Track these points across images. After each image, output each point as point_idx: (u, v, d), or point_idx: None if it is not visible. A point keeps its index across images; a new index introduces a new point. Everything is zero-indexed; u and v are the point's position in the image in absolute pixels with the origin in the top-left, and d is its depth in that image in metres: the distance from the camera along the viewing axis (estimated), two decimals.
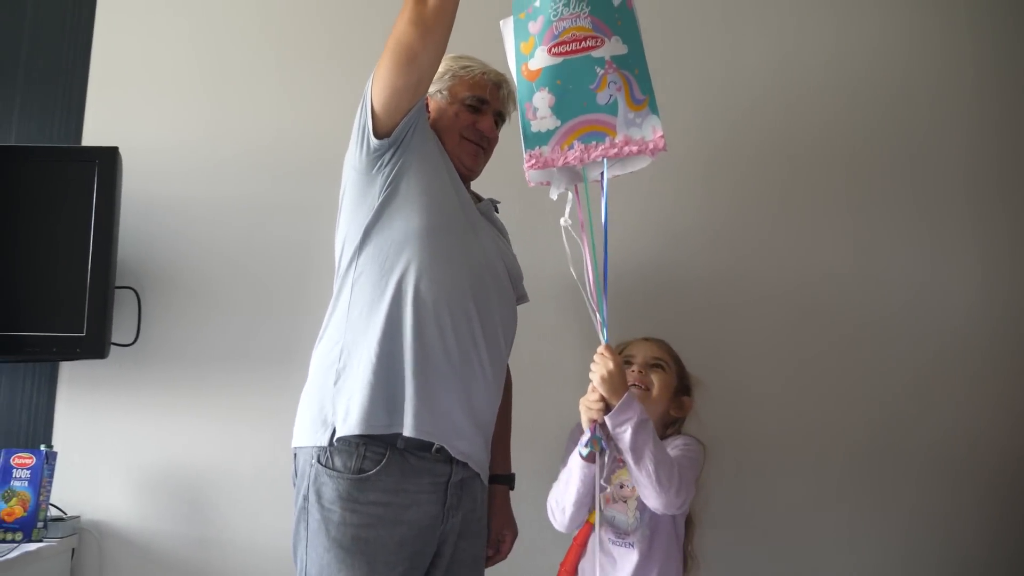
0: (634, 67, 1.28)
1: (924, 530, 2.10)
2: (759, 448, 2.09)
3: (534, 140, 1.35)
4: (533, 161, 1.37)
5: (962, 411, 2.14)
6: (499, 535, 1.74)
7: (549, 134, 1.33)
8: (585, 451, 1.45)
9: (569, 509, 1.53)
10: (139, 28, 2.18)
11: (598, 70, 1.29)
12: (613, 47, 1.29)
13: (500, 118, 1.73)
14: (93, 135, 2.11)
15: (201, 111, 2.15)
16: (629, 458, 1.45)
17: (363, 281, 1.52)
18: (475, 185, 1.75)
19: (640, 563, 1.55)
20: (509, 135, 1.64)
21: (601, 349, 1.46)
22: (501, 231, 1.76)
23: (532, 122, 1.36)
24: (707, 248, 2.17)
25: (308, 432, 1.50)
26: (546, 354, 2.02)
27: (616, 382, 1.44)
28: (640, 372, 1.69)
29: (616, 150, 1.29)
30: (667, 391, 1.71)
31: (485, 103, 1.67)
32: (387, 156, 1.51)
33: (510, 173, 1.61)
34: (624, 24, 1.30)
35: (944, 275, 2.20)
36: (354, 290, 1.52)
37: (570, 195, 1.46)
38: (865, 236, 2.20)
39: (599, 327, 1.45)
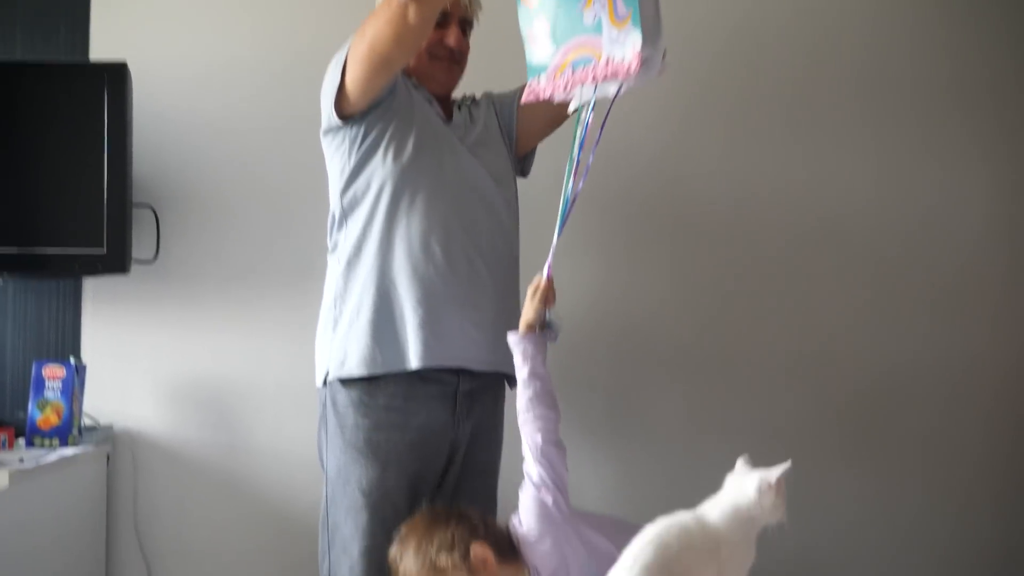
0: None
1: (934, 453, 2.11)
2: (767, 367, 2.10)
3: (533, 70, 1.32)
4: (529, 92, 1.34)
5: (977, 333, 2.13)
6: None
7: (545, 64, 1.29)
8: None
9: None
10: None
11: None
12: None
13: (468, 26, 1.68)
14: (100, 48, 2.08)
15: (212, 22, 2.10)
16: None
17: (352, 235, 1.58)
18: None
19: None
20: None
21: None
22: (482, 130, 1.70)
23: (533, 50, 1.33)
24: (715, 172, 2.13)
25: (319, 374, 1.61)
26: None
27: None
28: None
29: (597, 74, 1.22)
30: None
31: (447, 15, 1.62)
32: (353, 127, 1.56)
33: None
34: None
35: (954, 194, 2.15)
36: (345, 243, 1.59)
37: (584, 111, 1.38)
38: (873, 159, 2.15)
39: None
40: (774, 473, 1.15)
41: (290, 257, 2.05)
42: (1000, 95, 2.18)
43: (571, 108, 1.37)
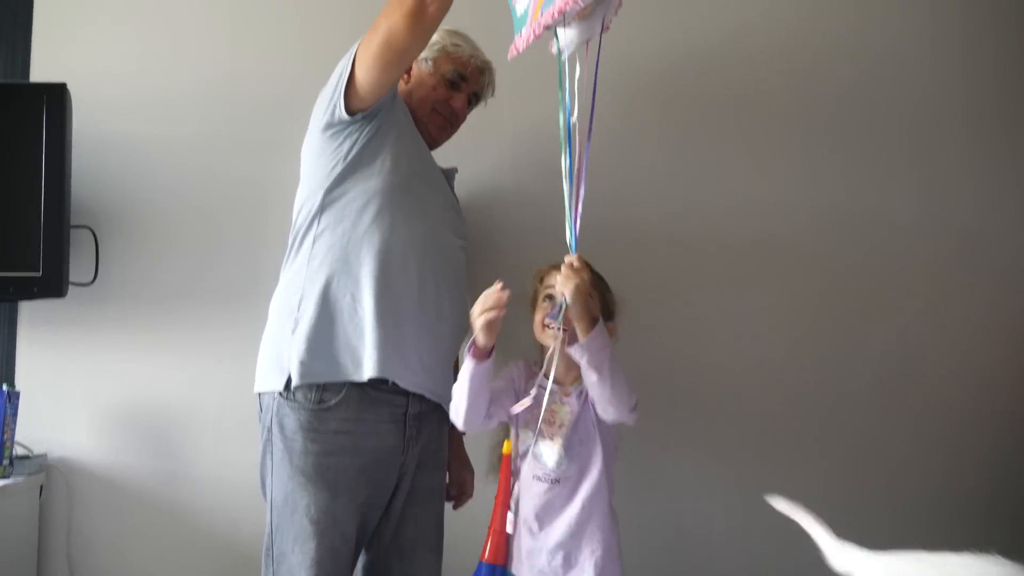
0: None
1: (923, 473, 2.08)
2: (733, 383, 2.07)
3: (518, 24, 1.38)
4: (512, 49, 1.40)
5: (964, 350, 2.13)
6: (459, 476, 1.83)
7: (526, 14, 1.35)
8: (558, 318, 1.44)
9: (463, 405, 1.50)
10: None
11: None
12: None
13: (475, 99, 1.81)
14: (41, 70, 2.05)
15: (153, 44, 2.09)
16: (591, 371, 1.45)
17: (325, 236, 1.57)
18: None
19: (579, 517, 1.51)
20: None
21: (574, 260, 1.42)
22: (455, 199, 1.81)
23: (516, 6, 1.39)
24: (687, 188, 2.11)
25: (268, 379, 1.55)
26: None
27: (586, 299, 1.42)
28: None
29: (556, 8, 1.26)
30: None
31: (465, 80, 1.75)
32: (356, 126, 1.57)
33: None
34: None
35: (939, 208, 2.14)
36: (315, 245, 1.57)
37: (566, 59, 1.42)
38: (852, 167, 2.14)
39: (569, 234, 1.41)
40: None
41: (231, 279, 2.03)
42: (985, 103, 2.19)
43: (553, 50, 1.43)
